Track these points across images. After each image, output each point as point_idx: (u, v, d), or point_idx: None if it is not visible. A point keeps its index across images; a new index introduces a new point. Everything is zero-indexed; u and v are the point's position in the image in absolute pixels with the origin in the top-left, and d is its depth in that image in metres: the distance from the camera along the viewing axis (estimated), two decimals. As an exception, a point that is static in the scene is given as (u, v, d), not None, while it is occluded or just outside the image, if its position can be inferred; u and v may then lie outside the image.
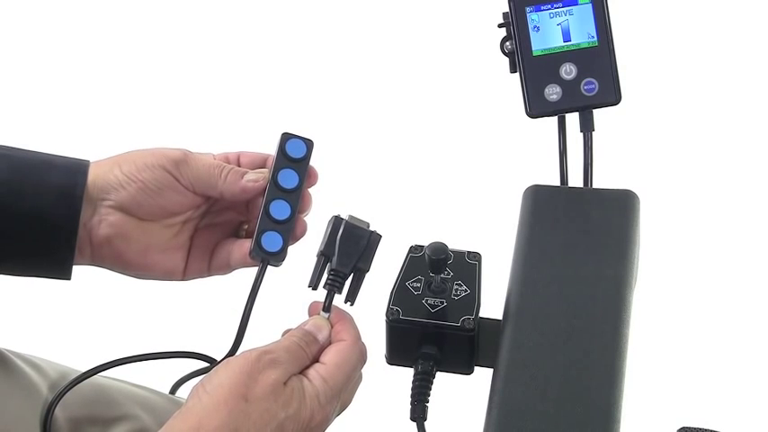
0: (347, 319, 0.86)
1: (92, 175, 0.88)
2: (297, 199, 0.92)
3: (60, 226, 0.86)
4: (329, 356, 0.83)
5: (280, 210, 0.91)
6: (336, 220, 0.88)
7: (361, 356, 0.84)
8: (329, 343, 0.84)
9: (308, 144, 0.95)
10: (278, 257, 0.91)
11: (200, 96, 2.44)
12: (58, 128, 2.35)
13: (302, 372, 0.81)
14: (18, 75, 2.52)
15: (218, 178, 0.91)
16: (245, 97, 2.45)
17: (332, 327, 0.85)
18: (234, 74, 2.51)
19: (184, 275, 0.94)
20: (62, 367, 0.99)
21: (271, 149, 0.96)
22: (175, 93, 2.45)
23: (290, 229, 0.91)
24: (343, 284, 0.87)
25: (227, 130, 2.33)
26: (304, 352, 0.82)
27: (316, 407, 0.79)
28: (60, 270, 0.89)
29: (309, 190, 0.95)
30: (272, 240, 0.91)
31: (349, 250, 0.87)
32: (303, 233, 0.93)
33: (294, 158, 0.94)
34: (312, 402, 0.79)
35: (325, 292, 0.87)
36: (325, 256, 0.87)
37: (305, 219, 0.94)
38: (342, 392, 0.82)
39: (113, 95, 2.46)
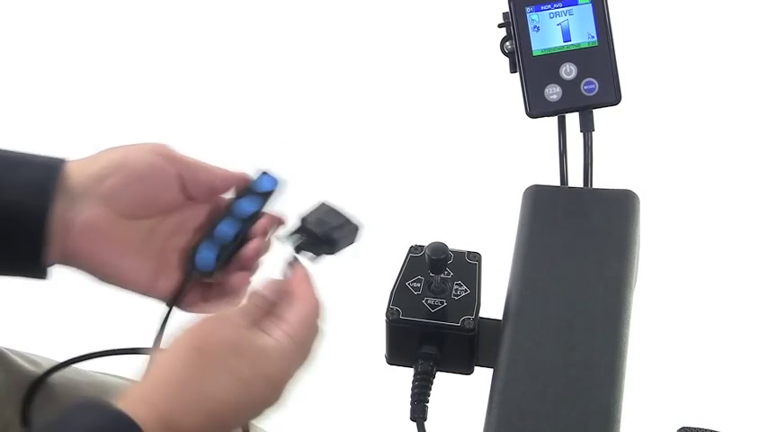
0: (306, 276, 0.85)
1: (71, 170, 0.86)
2: (247, 226, 0.90)
3: (31, 221, 0.84)
4: (291, 313, 0.81)
5: (225, 230, 0.89)
6: (325, 203, 0.89)
7: (321, 311, 0.84)
8: (289, 301, 0.83)
9: (278, 181, 0.93)
10: (206, 276, 0.89)
11: (200, 96, 2.44)
12: (47, 129, 2.35)
13: (265, 329, 0.80)
14: (15, 75, 2.52)
15: (205, 165, 0.90)
16: (247, 96, 2.45)
17: (292, 285, 0.84)
18: (235, 73, 2.51)
19: (151, 290, 0.90)
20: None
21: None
22: (173, 93, 2.45)
23: (230, 252, 0.89)
24: (311, 247, 0.87)
25: (229, 130, 2.33)
26: (263, 310, 0.81)
27: (280, 363, 0.78)
28: (34, 268, 0.87)
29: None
30: (205, 258, 0.88)
31: (326, 221, 0.88)
32: (254, 259, 0.91)
33: (259, 191, 0.92)
34: (276, 358, 0.78)
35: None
36: (303, 219, 0.88)
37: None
38: (305, 347, 0.81)
39: (108, 95, 2.46)
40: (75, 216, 0.86)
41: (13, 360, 0.97)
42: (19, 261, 0.86)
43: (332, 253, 0.88)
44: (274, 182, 0.93)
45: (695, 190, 2.22)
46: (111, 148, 0.89)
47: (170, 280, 0.90)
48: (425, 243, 0.89)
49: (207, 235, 0.89)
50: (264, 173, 0.93)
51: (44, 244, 0.85)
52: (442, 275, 0.88)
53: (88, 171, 0.87)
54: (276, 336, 0.79)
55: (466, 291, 0.89)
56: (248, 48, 2.55)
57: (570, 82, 0.97)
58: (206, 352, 0.76)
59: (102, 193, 0.87)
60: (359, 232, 0.88)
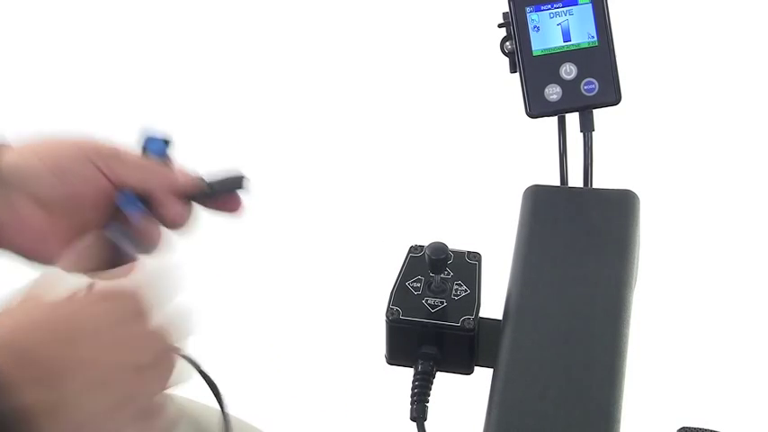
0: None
1: (9, 159, 0.83)
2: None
3: None
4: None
5: (127, 203, 0.85)
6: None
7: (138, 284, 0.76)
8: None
9: (167, 142, 0.87)
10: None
11: (198, 97, 2.45)
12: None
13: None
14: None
15: (152, 172, 0.86)
16: (247, 97, 2.45)
17: None
18: (235, 73, 2.51)
19: None
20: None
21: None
22: (165, 91, 2.45)
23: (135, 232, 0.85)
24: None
25: (231, 131, 2.33)
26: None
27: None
28: None
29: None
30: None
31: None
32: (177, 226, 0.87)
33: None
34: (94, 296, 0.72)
35: None
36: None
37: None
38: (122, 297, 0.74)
39: (101, 95, 2.46)
40: (10, 213, 0.83)
41: None
42: None
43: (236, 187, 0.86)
44: (164, 144, 0.87)
45: (695, 190, 2.22)
46: (47, 145, 0.85)
47: None
48: (425, 243, 0.89)
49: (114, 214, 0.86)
50: (149, 137, 0.87)
51: None
52: (442, 275, 0.88)
53: (24, 164, 0.83)
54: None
55: (466, 291, 0.89)
56: (249, 48, 2.55)
57: (570, 82, 0.97)
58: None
59: (40, 198, 0.84)
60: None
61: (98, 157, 0.85)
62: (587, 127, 0.98)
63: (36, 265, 0.86)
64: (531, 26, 0.96)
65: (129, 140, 0.87)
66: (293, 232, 2.10)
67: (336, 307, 1.98)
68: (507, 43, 0.97)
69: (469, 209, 2.13)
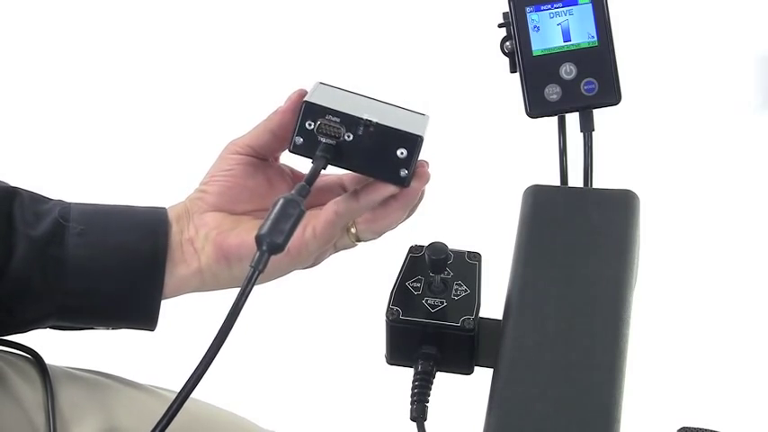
0: None
1: (172, 212, 0.91)
2: None
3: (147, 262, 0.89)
4: None
5: None
6: None
7: None
8: None
9: None
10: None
11: (197, 97, 2.44)
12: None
13: None
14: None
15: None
16: (244, 96, 2.45)
17: None
18: (233, 73, 2.51)
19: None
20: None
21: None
22: (165, 93, 2.45)
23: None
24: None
25: (228, 131, 2.33)
26: None
27: None
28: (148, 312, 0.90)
29: None
30: None
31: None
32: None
33: None
34: None
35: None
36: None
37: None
38: None
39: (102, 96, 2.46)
40: (197, 230, 0.92)
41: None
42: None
43: None
44: None
45: (695, 190, 2.22)
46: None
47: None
48: (425, 243, 0.89)
49: None
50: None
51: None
52: (442, 275, 0.88)
53: (184, 205, 0.92)
54: None
55: (466, 291, 0.88)
56: (247, 48, 2.55)
57: (570, 82, 0.97)
58: None
59: (211, 205, 0.93)
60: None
61: (239, 147, 0.99)
62: (587, 127, 0.98)
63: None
64: (531, 26, 0.96)
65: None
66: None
67: (336, 307, 1.98)
68: (507, 43, 0.97)
69: (469, 209, 2.13)
